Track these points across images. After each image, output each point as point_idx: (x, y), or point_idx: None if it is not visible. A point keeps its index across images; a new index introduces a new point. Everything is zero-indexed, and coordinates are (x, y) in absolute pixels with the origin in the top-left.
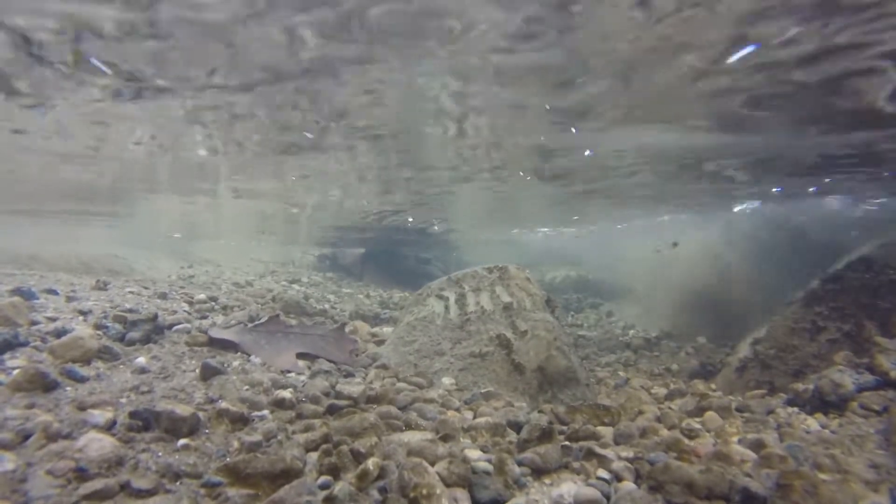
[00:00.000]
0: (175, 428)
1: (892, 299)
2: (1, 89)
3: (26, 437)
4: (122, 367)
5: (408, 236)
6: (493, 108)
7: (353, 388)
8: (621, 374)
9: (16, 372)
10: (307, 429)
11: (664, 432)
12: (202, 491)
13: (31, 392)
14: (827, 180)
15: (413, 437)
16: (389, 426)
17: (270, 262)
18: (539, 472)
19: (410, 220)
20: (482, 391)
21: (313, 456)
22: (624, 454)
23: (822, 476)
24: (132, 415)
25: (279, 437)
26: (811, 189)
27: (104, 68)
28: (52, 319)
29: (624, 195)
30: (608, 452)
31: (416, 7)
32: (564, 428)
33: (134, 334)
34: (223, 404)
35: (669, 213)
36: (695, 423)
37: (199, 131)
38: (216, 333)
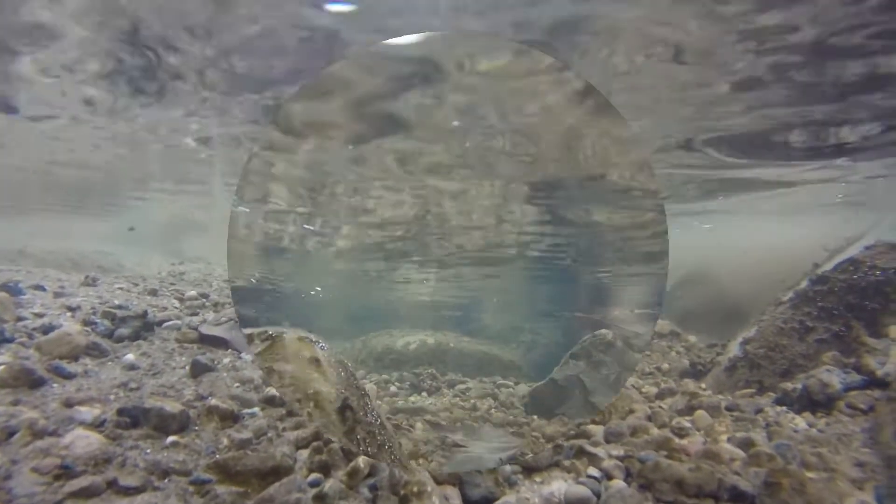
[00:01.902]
0: (164, 425)
1: (880, 300)
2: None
3: (11, 434)
4: (110, 363)
5: None
6: None
7: None
8: None
9: (1, 368)
10: (297, 426)
11: (654, 431)
12: (191, 488)
13: (16, 388)
14: None
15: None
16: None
17: None
18: (530, 470)
19: None
20: None
21: (304, 453)
22: (614, 452)
23: (810, 474)
24: (120, 412)
25: (269, 435)
26: None
27: None
28: (40, 315)
29: None
30: (599, 451)
31: None
32: None
33: (123, 331)
34: (213, 401)
35: None
36: (685, 422)
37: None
38: (207, 330)
